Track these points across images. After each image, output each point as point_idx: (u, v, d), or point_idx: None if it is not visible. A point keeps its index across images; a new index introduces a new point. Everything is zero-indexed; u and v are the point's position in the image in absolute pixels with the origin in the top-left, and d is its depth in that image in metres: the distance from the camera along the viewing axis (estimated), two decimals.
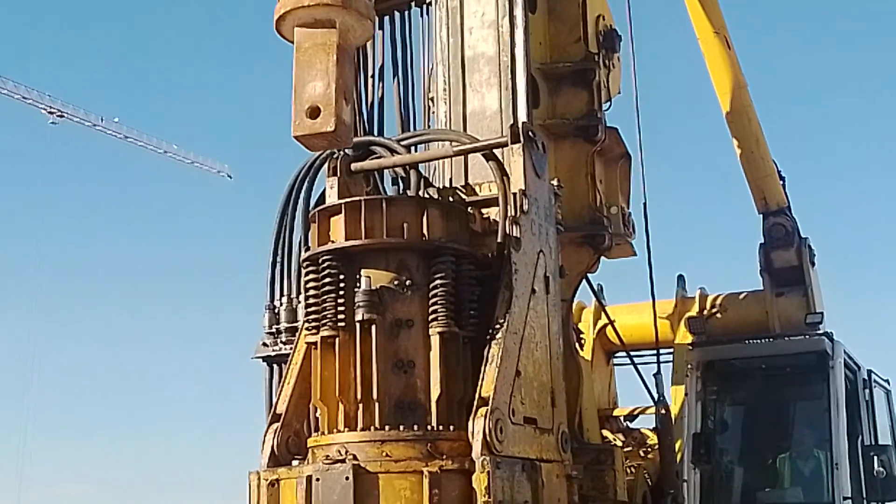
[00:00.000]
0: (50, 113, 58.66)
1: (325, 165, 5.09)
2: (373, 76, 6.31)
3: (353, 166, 4.99)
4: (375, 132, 6.08)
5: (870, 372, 8.28)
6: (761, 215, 8.68)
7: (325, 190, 5.03)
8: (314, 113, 4.00)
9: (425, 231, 4.33)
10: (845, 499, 7.26)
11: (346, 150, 5.14)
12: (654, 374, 6.37)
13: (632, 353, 7.68)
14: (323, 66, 4.04)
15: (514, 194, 4.59)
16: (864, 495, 7.55)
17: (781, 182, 8.67)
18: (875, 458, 7.42)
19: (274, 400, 4.73)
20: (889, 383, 8.79)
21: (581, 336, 7.52)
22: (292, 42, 4.22)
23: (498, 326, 4.25)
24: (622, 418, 8.51)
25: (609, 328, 8.25)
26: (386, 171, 5.37)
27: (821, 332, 7.94)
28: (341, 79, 4.03)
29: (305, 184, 5.77)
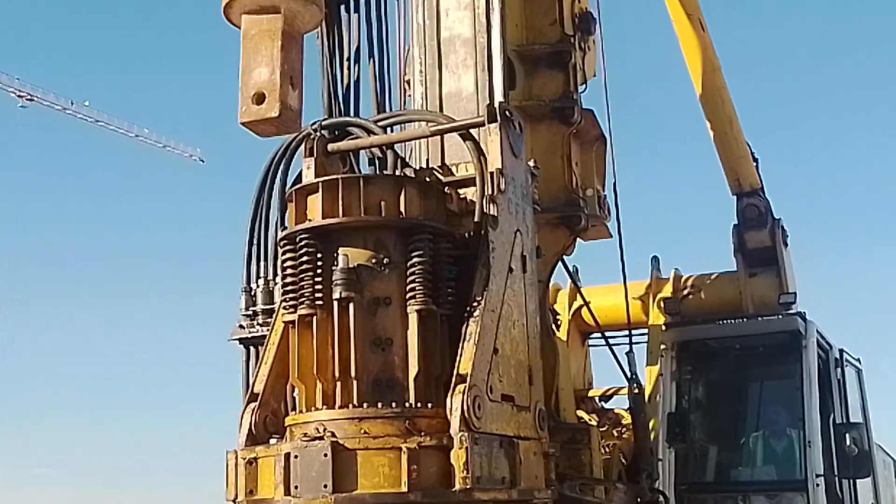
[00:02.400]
0: (19, 97, 58.21)
1: (302, 146, 5.08)
2: (348, 58, 6.29)
3: (330, 147, 4.98)
4: (352, 114, 6.08)
5: (841, 351, 8.38)
6: (735, 196, 8.76)
7: (301, 171, 5.02)
8: (260, 99, 4.05)
9: (403, 209, 4.34)
10: (818, 476, 7.35)
11: (323, 132, 5.16)
12: (627, 353, 6.43)
13: (607, 334, 7.72)
14: (268, 52, 4.07)
15: (491, 174, 4.60)
16: (836, 472, 7.65)
17: (755, 163, 8.75)
18: (846, 435, 7.52)
19: (251, 381, 4.73)
20: (860, 362, 8.90)
21: (557, 317, 7.57)
22: (240, 28, 4.23)
23: (475, 304, 4.26)
24: (597, 399, 8.58)
25: (584, 309, 8.31)
26: (362, 151, 5.37)
27: (794, 311, 8.03)
28: (287, 64, 4.06)
29: (282, 165, 5.75)
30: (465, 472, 3.90)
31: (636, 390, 6.30)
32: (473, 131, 4.84)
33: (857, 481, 7.88)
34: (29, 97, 58.46)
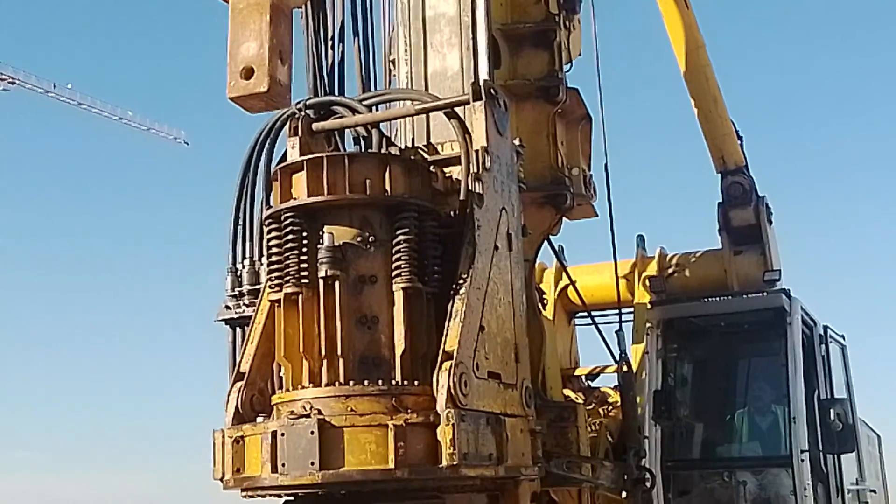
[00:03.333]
0: (0, 80, 57.69)
1: (287, 126, 5.06)
2: (333, 38, 6.25)
3: (315, 126, 4.97)
4: (337, 93, 6.05)
5: (826, 328, 8.43)
6: (719, 174, 8.79)
7: (286, 151, 5.01)
8: (248, 74, 4.03)
9: (388, 187, 4.34)
10: (802, 451, 7.41)
11: (308, 111, 5.14)
12: (616, 332, 6.45)
13: (593, 313, 7.76)
14: (257, 26, 4.05)
15: (477, 152, 4.60)
16: (821, 448, 7.72)
17: (739, 141, 8.77)
18: (831, 411, 7.58)
19: (237, 361, 4.73)
20: (844, 338, 8.96)
21: (543, 296, 7.59)
22: (228, 2, 4.21)
23: (461, 282, 4.27)
24: (584, 377, 8.62)
25: (570, 289, 8.34)
26: (348, 131, 5.35)
27: (778, 289, 8.07)
28: (275, 38, 4.05)
29: (267, 145, 5.73)
30: (451, 448, 3.91)
31: (625, 369, 6.32)
32: (458, 110, 4.83)
33: (842, 456, 7.95)
34: (10, 80, 58.05)
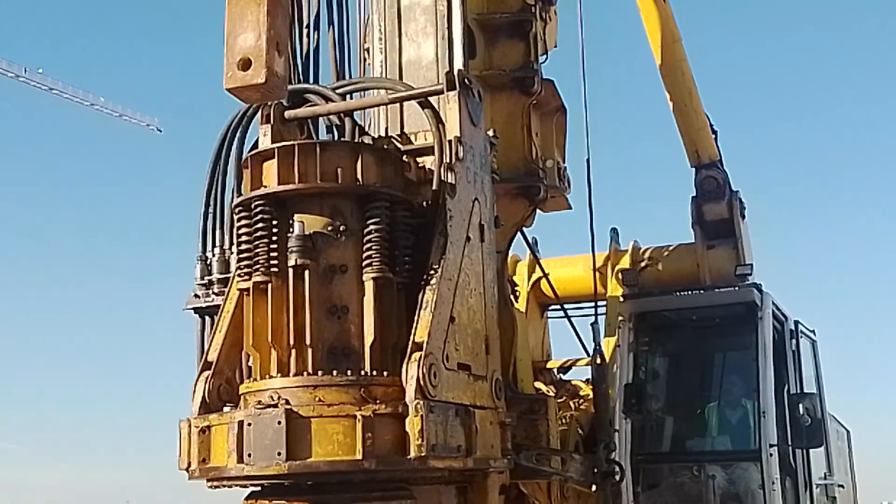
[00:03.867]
0: None
1: (259, 113, 5.01)
2: (308, 26, 6.20)
3: (287, 114, 4.92)
4: (311, 82, 6.00)
5: (797, 322, 8.47)
6: (693, 168, 8.80)
7: (258, 139, 4.96)
8: (245, 65, 3.96)
9: (359, 176, 4.30)
10: (771, 446, 7.43)
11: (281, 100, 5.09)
12: (591, 325, 6.44)
13: (565, 306, 7.75)
14: (254, 17, 3.99)
15: (450, 142, 4.57)
16: (790, 442, 7.75)
17: (714, 135, 8.78)
18: (800, 405, 7.61)
19: (206, 349, 4.68)
20: (815, 333, 9.00)
21: (515, 288, 7.57)
22: None
23: (432, 272, 4.24)
24: (555, 370, 8.62)
25: (543, 281, 8.32)
26: (320, 119, 5.31)
27: (750, 283, 8.09)
28: (273, 30, 3.99)
29: (238, 132, 5.68)
30: (419, 439, 3.88)
31: (599, 361, 6.32)
32: (433, 99, 4.80)
33: (811, 451, 7.99)
34: None
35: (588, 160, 6.55)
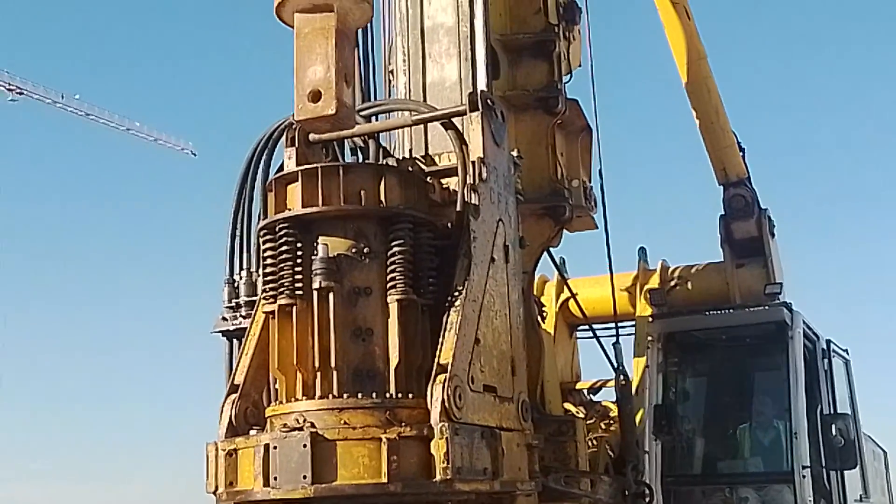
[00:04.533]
0: (9, 90, 57.96)
1: (284, 136, 5.04)
2: None
3: (312, 136, 4.94)
4: None
5: (829, 342, 8.37)
6: (721, 186, 8.74)
7: (283, 161, 4.98)
8: (315, 97, 4.05)
9: (383, 198, 4.30)
10: (804, 467, 7.34)
11: None
12: (613, 345, 6.40)
13: (594, 326, 7.70)
14: (322, 50, 4.08)
15: (473, 162, 4.56)
16: (823, 464, 7.64)
17: (741, 153, 8.72)
18: (833, 426, 7.51)
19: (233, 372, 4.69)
20: (848, 353, 8.89)
21: (543, 309, 7.54)
22: (292, 27, 4.24)
23: (457, 294, 4.22)
24: (585, 391, 8.55)
25: (571, 301, 8.28)
26: (345, 141, 5.33)
27: (780, 302, 8.00)
28: (341, 62, 4.08)
29: (264, 156, 5.71)
30: (445, 462, 3.86)
31: (623, 382, 6.27)
32: (456, 121, 4.81)
33: (846, 472, 7.87)
34: (19, 90, 58.22)
35: (601, 172, 6.53)
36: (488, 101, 4.70)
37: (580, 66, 6.82)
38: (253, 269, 5.71)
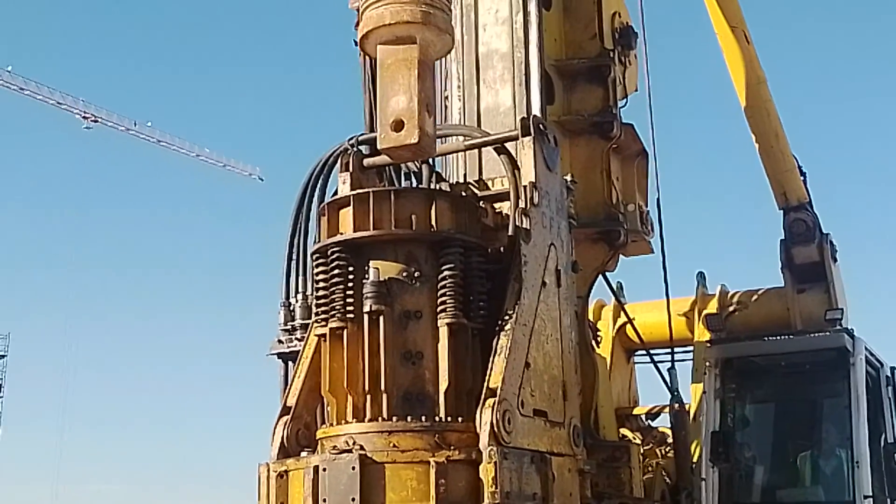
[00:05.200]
0: (84, 118, 59.51)
1: (339, 162, 5.11)
2: None
3: (366, 162, 5.01)
4: None
5: (893, 369, 8.16)
6: (782, 211, 8.62)
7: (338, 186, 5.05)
8: (398, 126, 4.15)
9: (434, 222, 4.34)
10: (866, 497, 7.15)
11: (360, 147, 5.19)
12: (669, 370, 6.34)
13: (652, 351, 7.63)
14: (405, 81, 4.19)
15: (525, 187, 4.59)
16: (887, 493, 7.46)
17: (802, 177, 8.59)
18: None
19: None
20: None
21: (598, 333, 7.50)
22: (374, 58, 4.35)
23: (507, 318, 4.24)
24: (642, 417, 8.47)
25: (629, 326, 8.22)
26: (400, 167, 5.39)
27: (841, 328, 7.85)
28: (423, 92, 4.18)
29: (320, 181, 5.80)
30: (493, 486, 3.87)
31: (677, 407, 6.21)
32: (509, 145, 4.83)
33: None
34: (93, 118, 59.75)
35: (658, 200, 6.49)
36: (540, 125, 4.73)
37: (636, 90, 6.81)
38: (308, 292, 5.78)
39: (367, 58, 6.22)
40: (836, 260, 8.58)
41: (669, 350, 7.14)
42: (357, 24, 6.23)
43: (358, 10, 6.21)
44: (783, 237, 8.65)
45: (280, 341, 5.87)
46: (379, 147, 4.25)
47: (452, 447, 4.01)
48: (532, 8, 5.70)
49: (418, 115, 4.09)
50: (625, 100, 6.55)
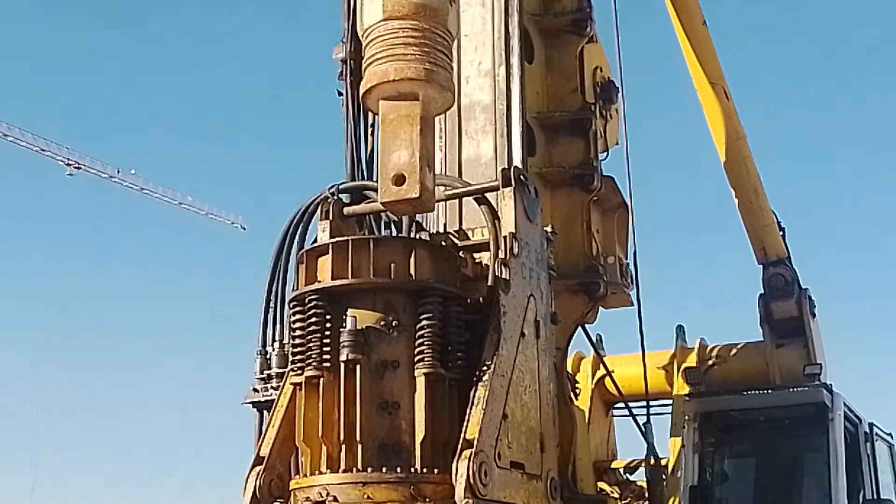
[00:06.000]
0: (67, 165, 59.41)
1: (318, 210, 5.10)
2: (372, 124, 6.35)
3: (346, 210, 5.01)
4: (374, 179, 6.11)
5: (871, 425, 8.18)
6: (761, 266, 8.67)
7: (318, 234, 5.03)
8: (399, 180, 4.16)
9: (413, 271, 4.32)
10: None
11: (341, 195, 5.19)
12: (644, 424, 6.32)
13: (631, 404, 7.61)
14: (407, 136, 4.21)
15: (505, 237, 4.59)
16: None
17: (781, 232, 8.67)
18: None
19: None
20: (892, 436, 8.68)
21: (577, 386, 7.47)
22: (377, 113, 4.38)
23: (485, 368, 4.21)
24: (620, 470, 8.43)
25: (608, 378, 8.21)
26: (381, 216, 5.38)
27: (820, 383, 7.86)
28: (425, 148, 4.21)
29: (300, 229, 5.78)
30: None
31: (653, 462, 6.17)
32: (490, 196, 4.85)
33: None
34: (76, 165, 59.72)
35: (635, 253, 6.52)
36: (521, 176, 4.74)
37: (617, 144, 6.85)
38: (285, 340, 5.73)
39: (349, 108, 6.26)
40: (814, 315, 8.63)
41: (654, 403, 7.11)
42: (340, 75, 6.34)
43: (342, 61, 6.31)
44: (762, 291, 8.69)
45: (255, 390, 5.80)
46: (380, 201, 4.27)
47: (428, 499, 3.96)
48: (514, 61, 5.74)
49: (420, 170, 4.13)
50: (606, 153, 6.59)
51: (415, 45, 4.22)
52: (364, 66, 4.34)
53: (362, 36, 4.37)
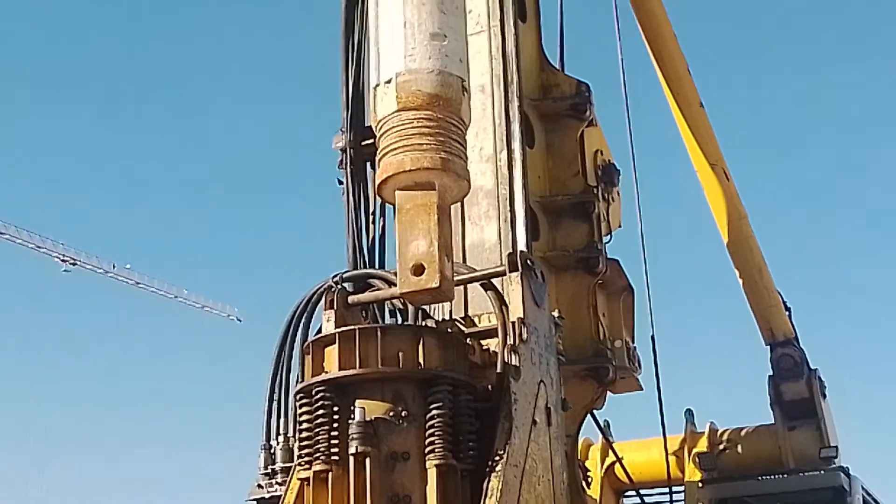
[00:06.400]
0: (63, 261, 59.55)
1: (322, 300, 5.03)
2: (373, 212, 6.32)
3: (351, 299, 4.94)
4: (376, 266, 6.05)
5: None
6: (768, 346, 8.59)
7: (322, 325, 4.96)
8: (418, 270, 4.11)
9: (421, 360, 4.24)
10: None
11: (344, 284, 5.13)
12: None
13: (642, 491, 7.46)
14: (425, 225, 4.18)
15: (513, 323, 4.51)
16: None
17: (787, 312, 8.60)
18: None
19: None
20: None
21: (588, 474, 7.32)
22: (393, 204, 4.36)
23: (497, 458, 4.10)
24: None
25: (617, 465, 8.06)
26: (385, 304, 5.31)
27: (836, 466, 7.73)
28: (443, 237, 4.17)
29: (303, 319, 5.70)
30: None
31: None
32: (496, 282, 4.78)
33: None
34: (73, 261, 59.88)
35: (653, 337, 6.44)
36: (528, 261, 4.69)
37: (620, 226, 6.84)
38: (290, 434, 5.61)
39: (349, 196, 6.24)
40: (825, 396, 8.52)
41: (660, 490, 6.96)
42: (340, 164, 6.33)
43: (341, 150, 6.31)
44: (771, 373, 8.60)
45: (260, 486, 5.64)
46: (399, 291, 4.21)
47: None
48: (516, 146, 5.75)
49: (438, 260, 4.08)
50: (609, 236, 6.57)
51: (430, 135, 4.20)
52: (378, 157, 4.32)
53: (376, 127, 4.35)
